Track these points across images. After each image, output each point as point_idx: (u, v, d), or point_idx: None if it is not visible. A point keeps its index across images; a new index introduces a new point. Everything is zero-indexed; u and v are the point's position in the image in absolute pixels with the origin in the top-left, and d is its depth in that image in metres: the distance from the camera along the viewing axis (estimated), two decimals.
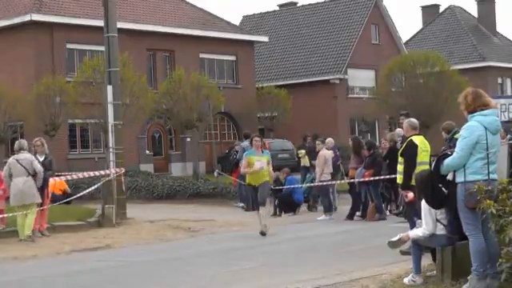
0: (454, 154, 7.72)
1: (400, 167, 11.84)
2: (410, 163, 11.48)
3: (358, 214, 18.33)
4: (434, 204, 8.27)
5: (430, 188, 8.05)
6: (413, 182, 10.78)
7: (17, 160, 15.29)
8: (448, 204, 8.10)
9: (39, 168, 15.30)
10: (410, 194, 11.33)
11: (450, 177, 7.85)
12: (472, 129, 7.67)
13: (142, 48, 37.76)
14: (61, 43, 35.36)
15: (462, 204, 7.68)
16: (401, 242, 9.22)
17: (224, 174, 26.15)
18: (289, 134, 40.00)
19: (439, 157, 8.09)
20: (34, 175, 15.23)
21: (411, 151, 11.57)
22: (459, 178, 7.71)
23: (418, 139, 11.70)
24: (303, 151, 24.22)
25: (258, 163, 15.19)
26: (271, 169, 15.58)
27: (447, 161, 7.79)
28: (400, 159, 11.81)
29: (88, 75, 31.14)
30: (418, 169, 11.07)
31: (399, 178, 11.87)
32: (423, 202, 8.54)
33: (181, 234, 16.41)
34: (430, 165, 11.08)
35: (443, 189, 7.98)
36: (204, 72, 39.07)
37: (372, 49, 48.15)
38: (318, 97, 46.04)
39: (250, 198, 16.45)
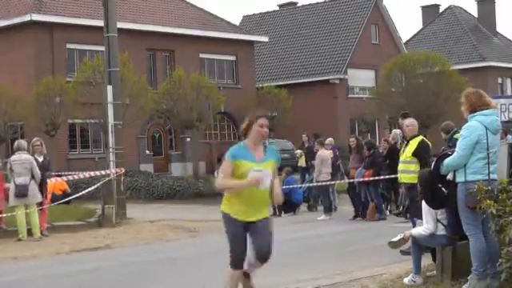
0: (455, 153, 7.71)
1: (403, 166, 11.84)
2: (426, 163, 11.48)
3: None
4: (434, 204, 8.27)
5: (430, 188, 8.05)
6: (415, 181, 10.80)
7: (17, 160, 15.37)
8: (448, 204, 8.09)
9: (37, 172, 15.40)
10: None
11: (450, 177, 7.84)
12: (472, 128, 7.67)
13: (142, 48, 37.75)
14: (61, 43, 35.35)
15: (463, 204, 7.67)
16: (402, 241, 9.22)
17: None
18: (289, 134, 40.00)
19: (439, 157, 8.08)
20: (33, 176, 15.36)
21: (426, 151, 11.62)
22: (459, 178, 7.71)
23: (427, 139, 11.79)
24: (299, 151, 24.28)
25: (255, 174, 7.40)
26: (277, 184, 7.71)
27: (447, 161, 7.79)
28: (410, 158, 11.80)
29: (88, 75, 31.15)
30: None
31: (402, 177, 11.88)
32: (424, 202, 8.53)
33: (181, 234, 16.41)
34: (430, 165, 11.10)
35: (443, 189, 7.97)
36: (204, 72, 39.07)
37: (372, 49, 48.14)
38: (317, 97, 46.03)
39: (236, 247, 7.71)
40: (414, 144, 12.06)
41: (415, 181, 11.36)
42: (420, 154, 11.75)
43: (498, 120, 7.90)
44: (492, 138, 7.70)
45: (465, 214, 7.71)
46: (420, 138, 11.89)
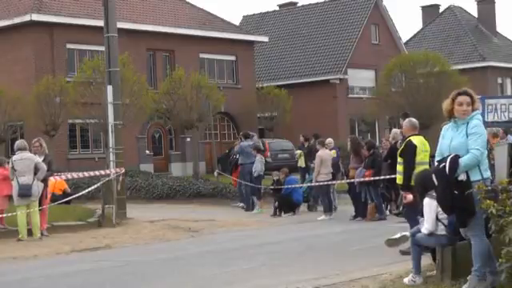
0: (474, 152, 7.56)
1: (399, 167, 11.82)
2: (409, 164, 11.45)
3: None
4: (450, 209, 7.94)
5: (449, 195, 7.71)
6: (412, 183, 10.75)
7: (19, 159, 15.39)
8: (459, 205, 7.83)
9: (42, 165, 15.37)
10: (409, 196, 11.29)
11: (463, 177, 7.63)
12: (482, 126, 7.71)
13: (142, 48, 37.75)
14: (61, 43, 35.35)
15: (479, 203, 7.53)
16: (401, 240, 9.21)
17: (224, 174, 26.18)
18: (289, 134, 39.98)
19: (452, 159, 7.64)
20: (36, 173, 15.35)
21: (410, 151, 11.54)
22: (476, 177, 7.59)
23: (417, 139, 11.67)
24: (299, 151, 24.30)
25: None
26: None
27: (466, 160, 7.57)
28: (399, 159, 11.80)
29: (88, 75, 31.15)
30: (418, 169, 11.05)
31: (399, 178, 11.86)
32: (425, 200, 8.49)
33: (181, 234, 16.40)
34: (430, 165, 11.05)
35: (455, 191, 7.75)
36: (204, 72, 39.06)
37: (372, 49, 48.14)
38: (318, 97, 46.04)
39: None
40: (402, 145, 12.05)
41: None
42: (402, 154, 11.72)
43: None
44: None
45: (478, 214, 7.62)
46: (408, 138, 11.84)
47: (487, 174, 7.66)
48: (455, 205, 7.67)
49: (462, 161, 7.59)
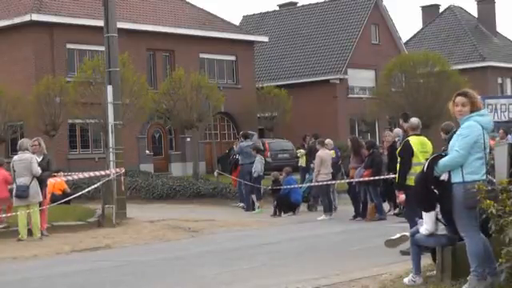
0: (453, 153, 7.65)
1: (398, 166, 11.85)
2: (404, 164, 11.46)
3: None
4: (425, 206, 8.10)
5: (422, 189, 7.88)
6: (411, 182, 10.75)
7: (18, 160, 15.40)
8: (441, 205, 7.95)
9: (35, 170, 15.31)
10: (402, 196, 11.30)
11: (444, 177, 7.72)
12: (472, 128, 7.65)
13: (142, 48, 37.76)
14: (61, 43, 35.37)
15: (460, 205, 7.62)
16: (401, 240, 9.20)
17: (224, 174, 26.18)
18: (289, 134, 40.00)
19: (433, 157, 7.92)
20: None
21: (406, 152, 11.56)
22: (456, 179, 7.63)
23: (415, 140, 11.66)
24: (302, 151, 24.27)
25: None
26: None
27: (444, 161, 7.69)
28: (399, 159, 11.81)
29: (88, 75, 31.15)
30: (416, 169, 11.04)
31: (397, 178, 11.88)
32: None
33: (181, 234, 16.41)
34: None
35: (435, 190, 7.84)
36: (204, 72, 39.05)
37: (372, 49, 48.15)
38: (318, 97, 46.04)
39: None
40: (401, 144, 12.07)
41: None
42: (399, 153, 11.74)
43: (491, 120, 7.96)
44: (487, 137, 7.74)
45: (461, 215, 7.66)
46: (406, 139, 11.86)
47: (471, 177, 7.56)
48: (430, 201, 7.79)
49: (441, 161, 7.67)
